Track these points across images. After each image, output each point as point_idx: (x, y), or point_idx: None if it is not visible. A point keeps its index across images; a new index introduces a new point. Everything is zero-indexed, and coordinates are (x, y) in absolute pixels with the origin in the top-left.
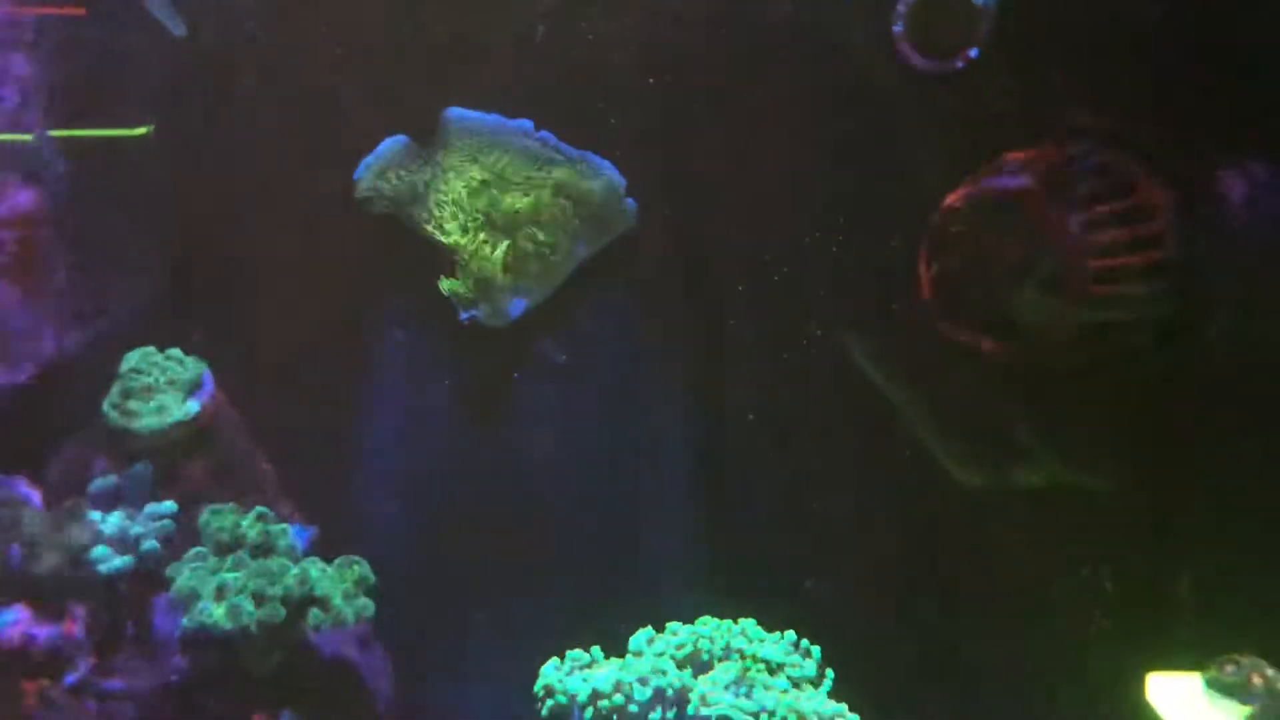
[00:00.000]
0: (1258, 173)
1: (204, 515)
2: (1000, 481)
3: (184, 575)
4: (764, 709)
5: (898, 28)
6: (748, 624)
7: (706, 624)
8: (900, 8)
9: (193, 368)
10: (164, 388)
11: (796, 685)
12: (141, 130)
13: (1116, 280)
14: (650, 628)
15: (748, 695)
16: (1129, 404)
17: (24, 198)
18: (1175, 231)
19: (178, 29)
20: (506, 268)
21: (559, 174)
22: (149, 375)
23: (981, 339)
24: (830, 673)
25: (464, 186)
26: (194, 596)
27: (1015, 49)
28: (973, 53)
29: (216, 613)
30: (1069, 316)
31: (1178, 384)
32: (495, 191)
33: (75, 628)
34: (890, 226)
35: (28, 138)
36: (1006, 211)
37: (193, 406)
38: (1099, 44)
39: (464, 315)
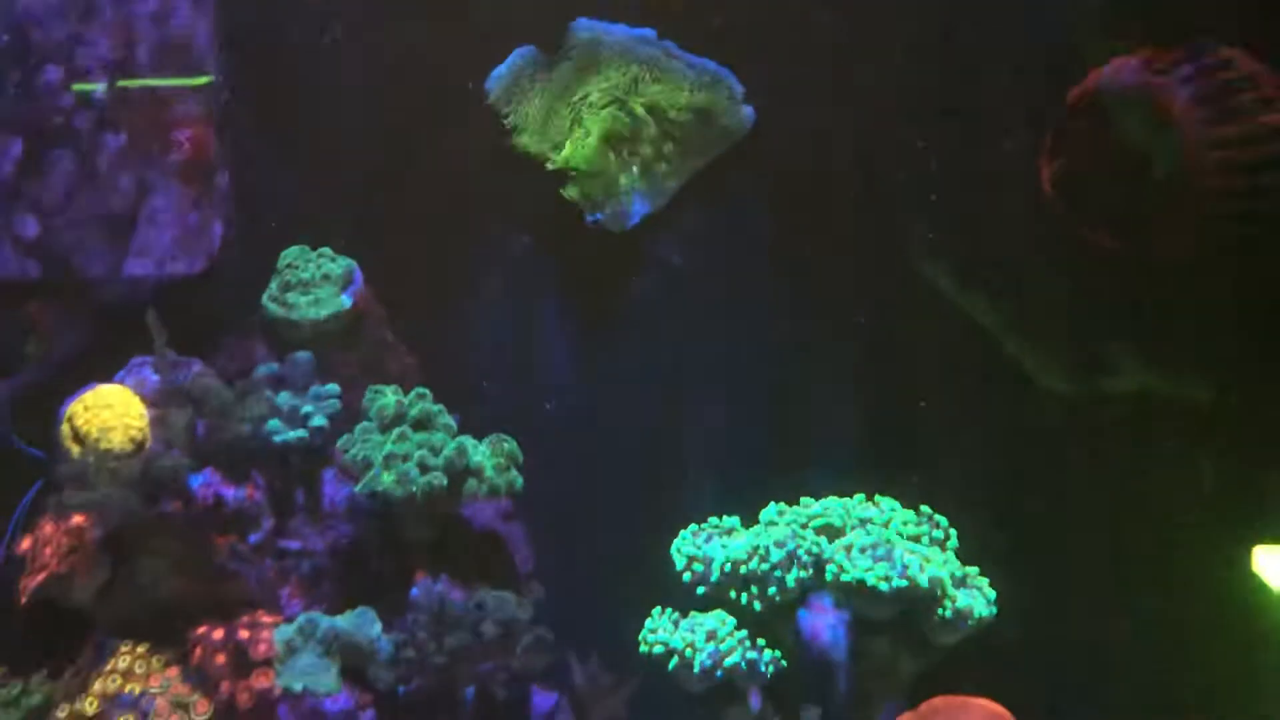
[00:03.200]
0: None
1: (368, 393)
2: (1108, 382)
3: (356, 446)
4: (904, 568)
5: None
6: (883, 499)
7: (836, 500)
8: None
9: (344, 264)
10: (319, 282)
11: (930, 546)
12: (203, 79)
13: (1240, 172)
14: (782, 503)
15: (886, 558)
16: (1242, 299)
17: (194, 103)
18: None
19: None
20: (631, 172)
21: (681, 81)
22: (305, 271)
23: (1102, 233)
24: (954, 534)
25: (592, 92)
26: (366, 465)
27: None
28: None
29: (387, 479)
30: (1190, 208)
31: None
32: (622, 97)
33: (256, 492)
34: (1003, 130)
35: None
36: (1129, 106)
37: (345, 300)
38: None
39: (589, 218)
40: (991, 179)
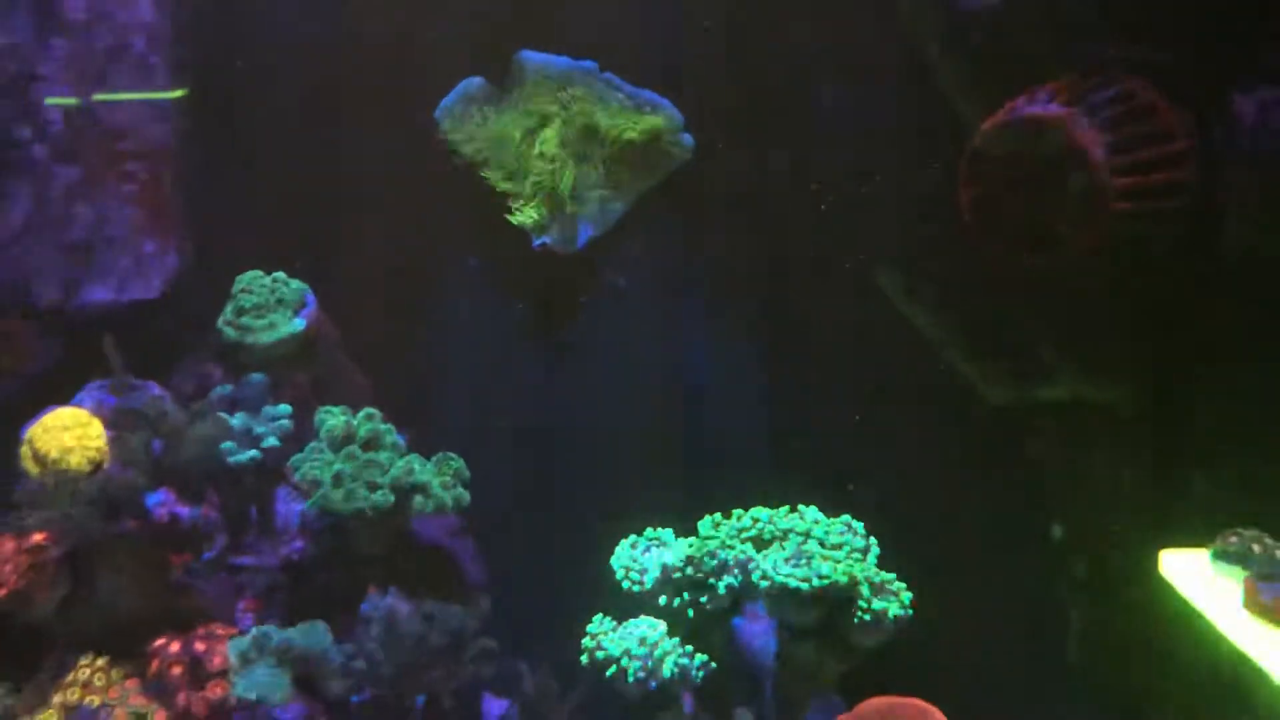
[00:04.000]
0: (1267, 96)
1: (319, 414)
2: (1026, 393)
3: (306, 465)
4: (819, 574)
5: None
6: (806, 509)
7: (765, 510)
8: None
9: (297, 288)
10: (273, 306)
11: (848, 557)
12: (178, 93)
13: (1140, 197)
14: (717, 514)
15: (806, 564)
16: (1148, 314)
17: (152, 133)
18: (1192, 152)
19: None
20: (575, 197)
21: (623, 111)
22: (259, 295)
23: (1016, 254)
24: (875, 543)
25: (537, 122)
26: (316, 483)
27: None
28: None
29: (335, 497)
30: (1096, 231)
31: (1193, 292)
32: (565, 126)
33: (211, 511)
34: (928, 156)
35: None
36: (1039, 136)
37: (299, 323)
38: None
39: (536, 242)
40: (926, 199)
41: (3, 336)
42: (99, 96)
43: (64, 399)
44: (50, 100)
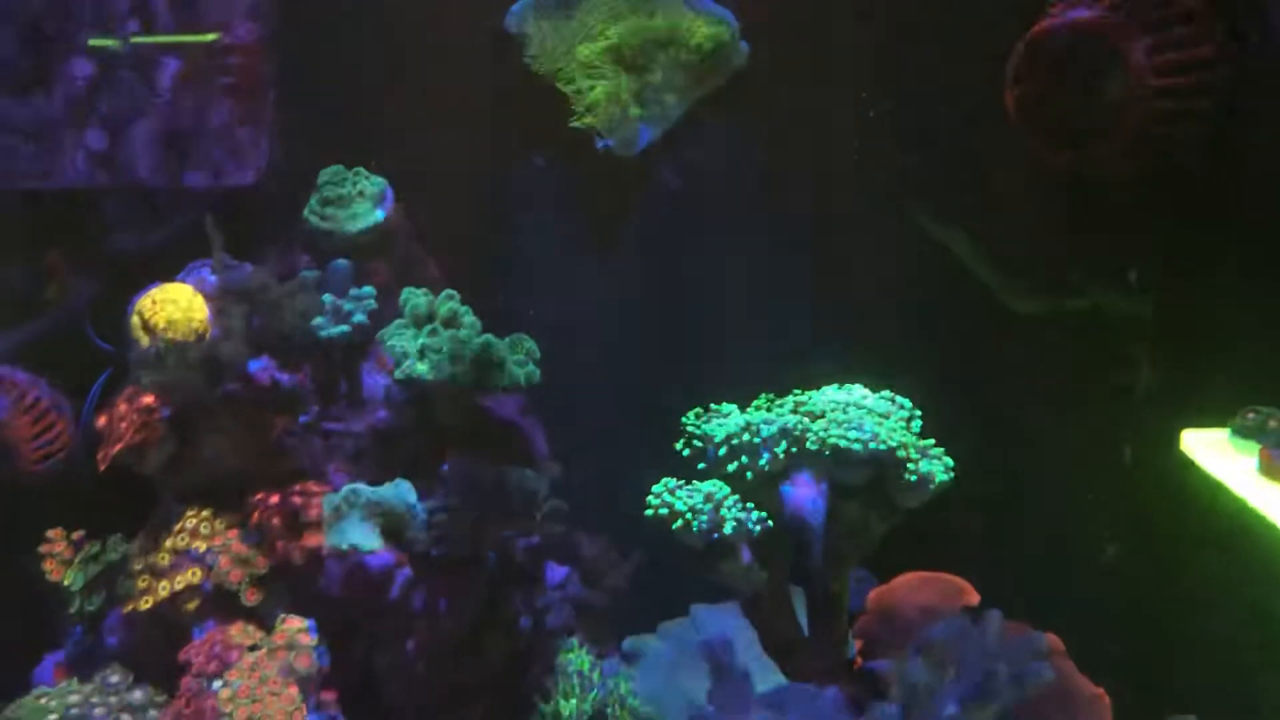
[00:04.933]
0: None
1: (404, 293)
2: (1070, 303)
3: (394, 338)
4: (871, 435)
5: None
6: (853, 386)
7: (816, 391)
8: None
9: (378, 182)
10: (355, 198)
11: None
12: (210, 37)
13: (1175, 97)
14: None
15: (859, 428)
16: (1178, 210)
17: (244, 30)
18: (1225, 56)
19: None
20: (636, 101)
21: (684, 17)
22: (342, 187)
23: (1061, 152)
24: (918, 414)
25: (602, 26)
26: (404, 354)
27: None
28: None
29: (422, 367)
30: (1132, 127)
31: (1221, 188)
32: (628, 30)
33: (305, 378)
34: (971, 63)
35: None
36: (1082, 38)
37: (380, 214)
38: None
39: (600, 144)
40: (964, 116)
41: (50, 269)
42: (135, 39)
43: (167, 276)
44: (93, 41)
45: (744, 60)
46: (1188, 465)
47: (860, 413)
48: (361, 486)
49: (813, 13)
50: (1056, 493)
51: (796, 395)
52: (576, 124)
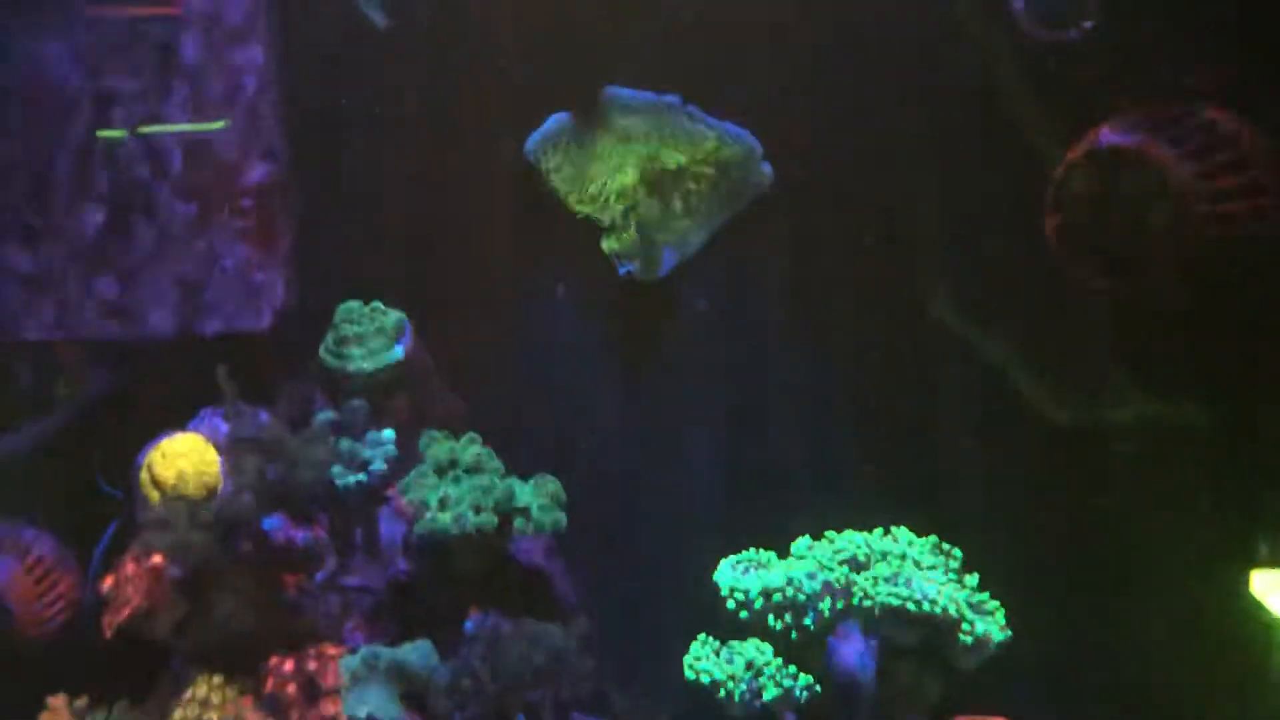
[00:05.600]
0: None
1: (424, 439)
2: (1104, 417)
3: (414, 488)
4: (925, 596)
5: (1019, 3)
6: (898, 531)
7: (858, 534)
8: None
9: (395, 317)
10: (373, 335)
11: (945, 575)
12: (219, 124)
13: (1225, 224)
14: (808, 536)
15: (906, 586)
16: (1235, 337)
17: (260, 171)
18: (1273, 177)
19: (381, 21)
20: (659, 227)
21: (705, 142)
22: (359, 325)
23: (1103, 280)
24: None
25: (623, 154)
26: (424, 506)
27: (1125, 17)
28: (1088, 24)
29: (443, 519)
30: (1183, 258)
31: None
32: (650, 158)
33: (321, 533)
34: (1008, 182)
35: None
36: (1123, 165)
37: (398, 351)
38: (1201, 9)
39: (622, 270)
40: (998, 222)
41: (61, 363)
42: (144, 129)
43: (173, 422)
44: (101, 133)
45: (768, 182)
46: (1259, 609)
47: (908, 566)
48: (380, 648)
49: (842, 126)
50: (1111, 633)
51: (836, 540)
52: (603, 247)
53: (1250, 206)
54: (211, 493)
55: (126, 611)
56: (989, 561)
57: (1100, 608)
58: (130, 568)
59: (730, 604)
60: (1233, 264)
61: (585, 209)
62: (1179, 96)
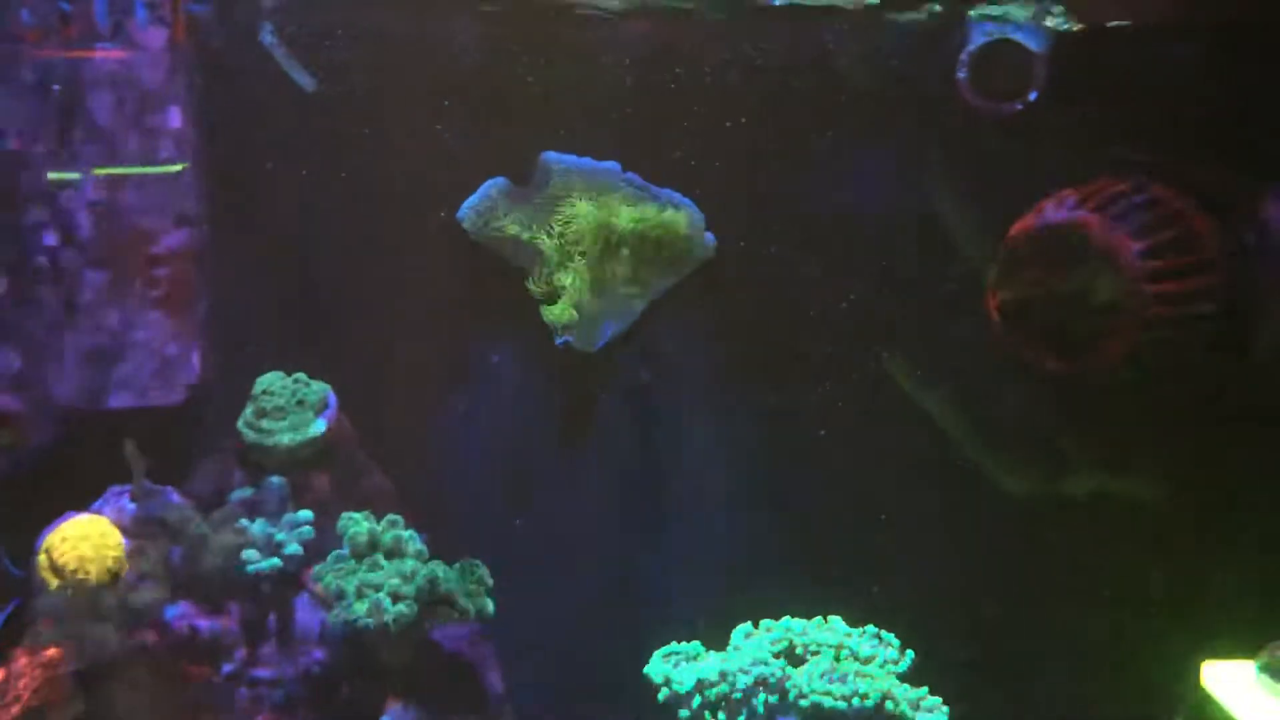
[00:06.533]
0: None
1: (342, 522)
2: (1055, 490)
3: (329, 576)
4: (856, 693)
5: (961, 74)
6: (834, 620)
7: (796, 622)
8: (963, 55)
9: (319, 389)
10: (294, 408)
11: (883, 669)
12: (176, 168)
13: (1173, 302)
14: (748, 624)
15: (841, 682)
16: (1181, 415)
17: (176, 238)
18: (1221, 256)
19: (306, 84)
20: (597, 296)
21: (645, 210)
22: (280, 397)
23: (1046, 358)
24: (910, 654)
25: (559, 222)
26: (340, 595)
27: (1068, 92)
28: (1031, 96)
29: (360, 609)
30: (1130, 337)
31: (1227, 395)
32: (587, 226)
33: (230, 622)
34: (949, 258)
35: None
36: (1068, 242)
37: (321, 425)
38: (1144, 86)
39: (559, 340)
40: (947, 299)
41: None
42: (98, 170)
43: (77, 499)
44: (53, 175)
45: (710, 252)
46: (1211, 705)
47: (843, 659)
48: None
49: (787, 199)
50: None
51: (773, 629)
52: (546, 316)
53: (1197, 285)
54: (114, 578)
55: (15, 710)
56: (930, 643)
57: (1050, 694)
58: (22, 661)
59: (661, 695)
60: (1180, 342)
61: (520, 278)
62: (1122, 174)
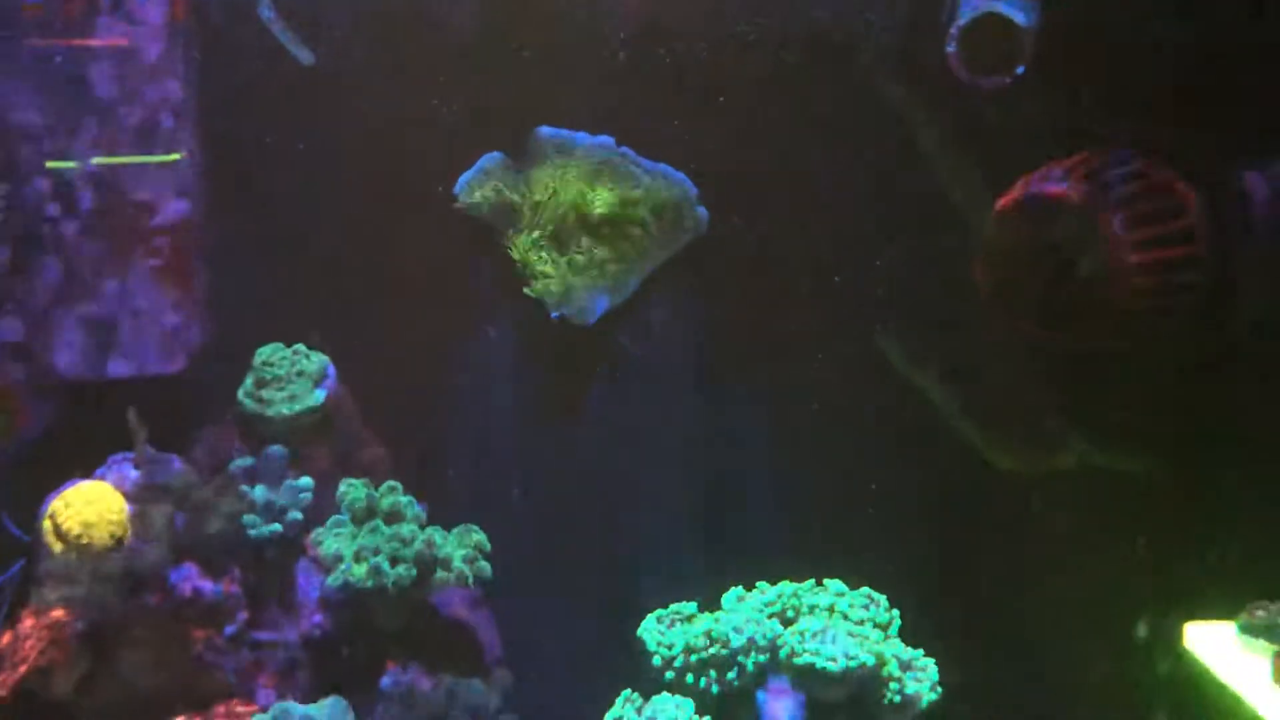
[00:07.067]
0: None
1: (342, 487)
2: (1043, 461)
3: (329, 540)
4: (847, 653)
5: (950, 48)
6: (830, 583)
7: (789, 584)
8: (952, 30)
9: (318, 360)
10: (294, 378)
11: (874, 631)
12: (175, 156)
13: (1155, 273)
14: (739, 587)
15: (833, 642)
16: (1165, 385)
17: (176, 208)
18: (1205, 227)
19: (305, 58)
20: (591, 270)
21: (638, 185)
22: (279, 367)
23: (1031, 328)
24: (897, 616)
25: (554, 196)
26: (339, 558)
27: (1055, 65)
28: (1019, 69)
29: (358, 572)
30: (1114, 307)
31: (1209, 364)
32: (581, 200)
33: (232, 585)
34: (939, 231)
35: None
36: (1054, 214)
37: (319, 395)
38: (1130, 57)
39: (553, 314)
40: (939, 270)
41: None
42: (98, 160)
43: (85, 470)
44: (51, 164)
45: (703, 226)
46: (1192, 663)
47: (836, 620)
48: (292, 706)
49: (782, 173)
50: (1046, 682)
51: (766, 592)
52: (530, 292)
53: (1182, 254)
54: (118, 543)
55: (23, 670)
56: (923, 609)
57: (1036, 660)
58: (28, 623)
59: (656, 660)
60: (1165, 312)
61: (514, 252)
62: (1108, 145)
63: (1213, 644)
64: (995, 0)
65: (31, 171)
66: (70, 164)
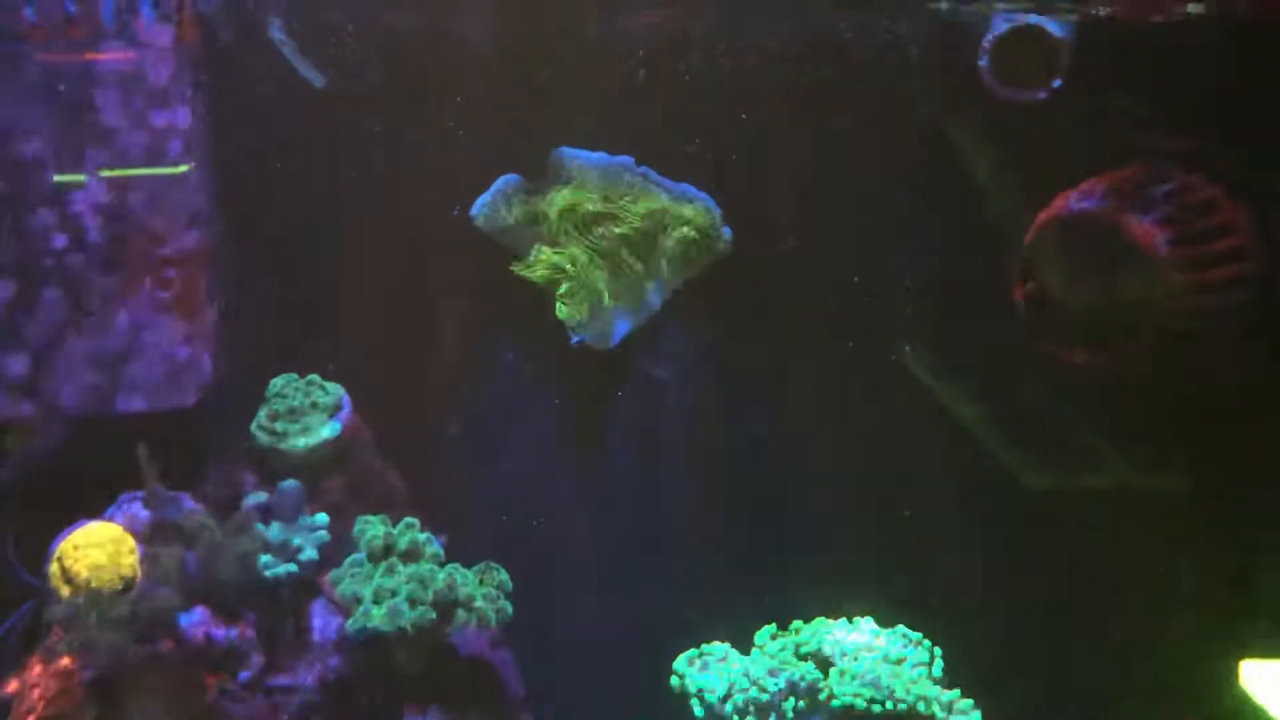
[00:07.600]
0: None
1: (358, 525)
2: (1081, 484)
3: (345, 581)
4: (891, 694)
5: (983, 61)
6: (862, 620)
7: (823, 622)
8: (985, 43)
9: (333, 391)
10: (308, 410)
11: (913, 671)
12: (182, 168)
13: (1204, 291)
14: (774, 625)
15: (874, 685)
16: (1212, 408)
17: (188, 239)
18: (1254, 245)
19: (318, 81)
20: (612, 293)
21: (660, 205)
22: (293, 399)
23: (1075, 350)
24: (939, 653)
25: (574, 218)
26: (356, 600)
27: (1093, 79)
28: (1055, 83)
29: (377, 615)
30: (1160, 327)
31: (1258, 386)
32: (602, 222)
33: (247, 629)
34: (973, 249)
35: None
36: (1095, 231)
37: (335, 427)
38: (1172, 71)
39: (574, 339)
40: (972, 288)
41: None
42: (105, 172)
43: (89, 506)
44: (59, 178)
45: (727, 247)
46: (1249, 704)
47: (874, 660)
48: None
49: (806, 193)
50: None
51: (799, 631)
52: (558, 315)
53: (1229, 273)
54: (128, 586)
55: (31, 719)
56: (955, 640)
57: (1084, 699)
58: (36, 670)
59: (696, 706)
60: (1213, 332)
61: (534, 275)
62: (1150, 161)
63: (1270, 682)
64: (1031, 13)
65: (37, 201)
66: (78, 178)
